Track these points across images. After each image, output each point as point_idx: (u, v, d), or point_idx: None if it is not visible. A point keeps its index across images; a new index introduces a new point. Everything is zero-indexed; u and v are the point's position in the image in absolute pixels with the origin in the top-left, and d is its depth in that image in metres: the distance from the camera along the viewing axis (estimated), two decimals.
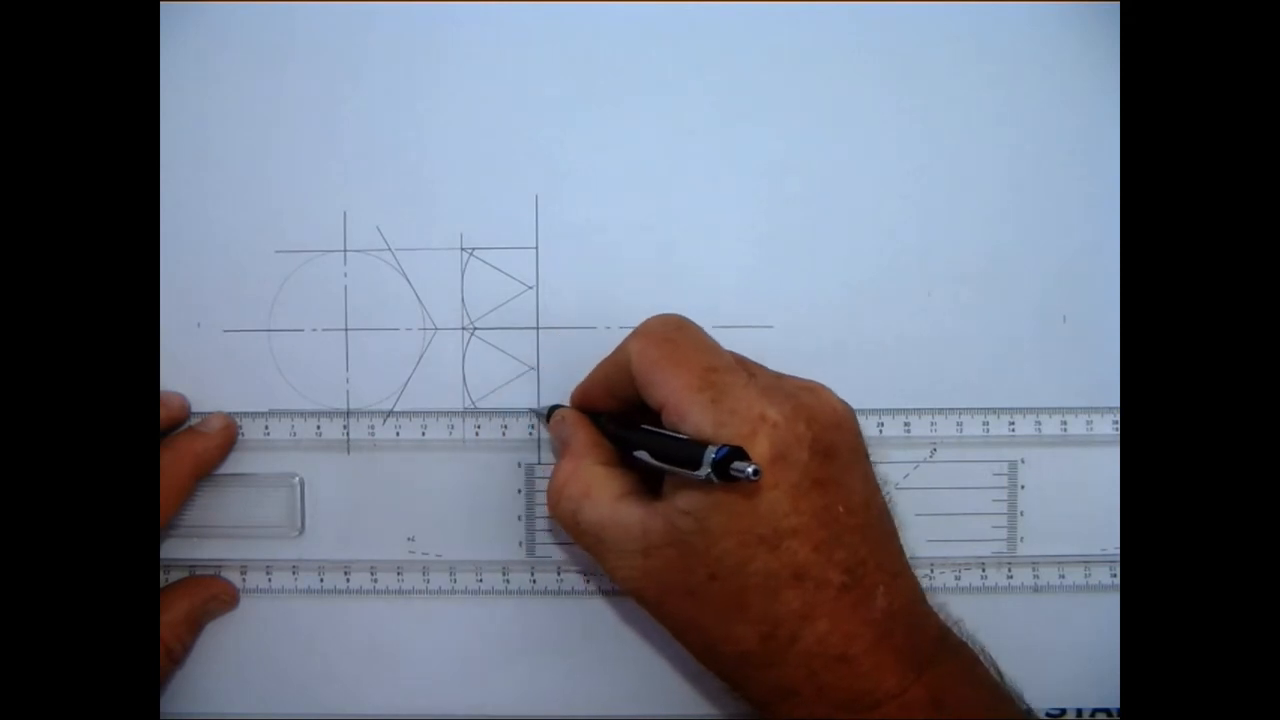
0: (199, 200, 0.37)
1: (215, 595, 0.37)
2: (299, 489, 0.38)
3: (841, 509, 0.29)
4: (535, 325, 0.37)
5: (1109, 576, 0.38)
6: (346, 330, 0.37)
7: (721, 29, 0.37)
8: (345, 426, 0.38)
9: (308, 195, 0.37)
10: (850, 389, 0.37)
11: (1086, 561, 0.38)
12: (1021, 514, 0.38)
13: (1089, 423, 0.38)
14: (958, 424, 0.38)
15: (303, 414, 0.38)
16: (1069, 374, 0.38)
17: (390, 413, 0.38)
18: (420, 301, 0.37)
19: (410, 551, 0.38)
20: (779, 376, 0.32)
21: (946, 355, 0.37)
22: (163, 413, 0.37)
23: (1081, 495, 0.38)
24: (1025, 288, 0.37)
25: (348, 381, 0.38)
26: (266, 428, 0.38)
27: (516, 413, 0.38)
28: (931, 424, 0.38)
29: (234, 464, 0.38)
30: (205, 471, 0.37)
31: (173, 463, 0.36)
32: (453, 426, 0.38)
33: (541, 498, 0.38)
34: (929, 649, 0.30)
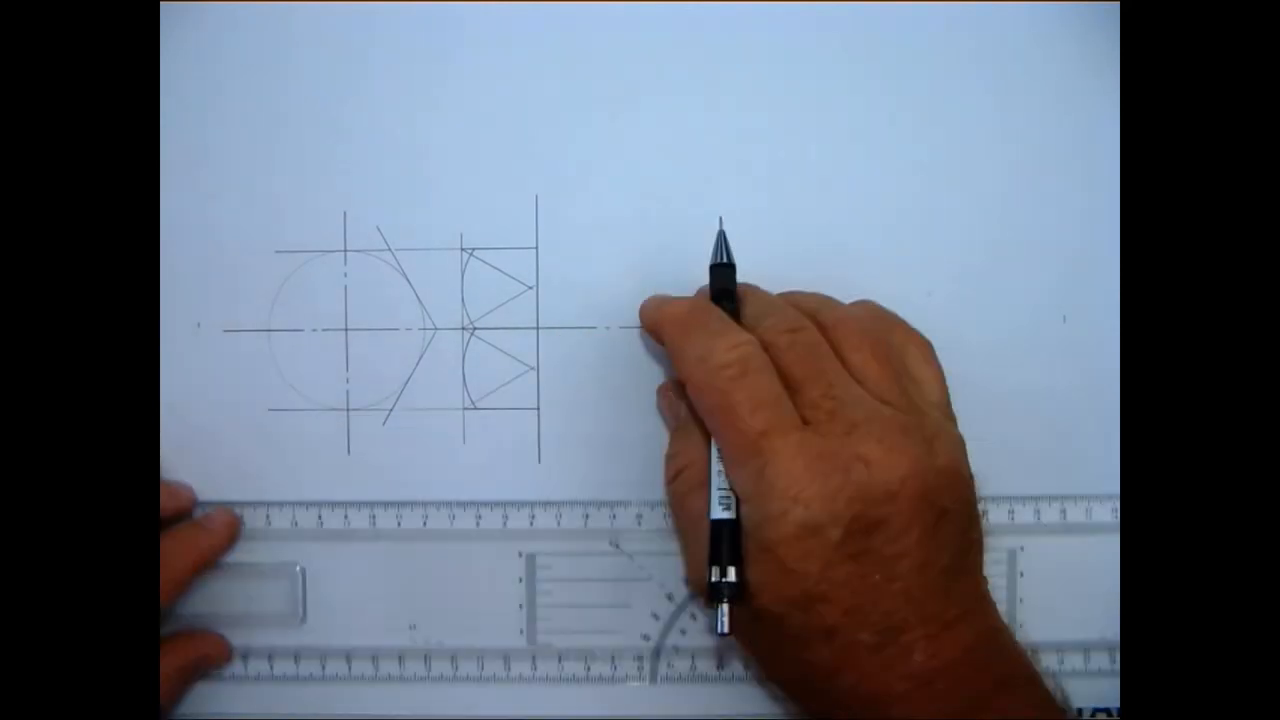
0: (199, 200, 0.37)
1: (207, 655, 0.37)
2: (300, 578, 0.38)
3: (879, 577, 0.29)
4: (535, 325, 0.37)
5: (1108, 662, 0.38)
6: (346, 330, 0.37)
7: (721, 29, 0.37)
8: (346, 516, 0.38)
9: (308, 195, 0.37)
10: None
11: (1086, 649, 0.38)
12: (1021, 600, 0.38)
13: (1088, 510, 0.38)
14: None
15: (304, 504, 0.38)
16: (1069, 374, 0.38)
17: (390, 411, 0.38)
18: (420, 301, 0.37)
19: (412, 639, 0.38)
20: (854, 426, 0.30)
21: (946, 355, 0.37)
22: (168, 502, 0.37)
23: (1081, 583, 0.38)
24: (1025, 288, 0.37)
25: (348, 381, 0.38)
26: (268, 517, 0.38)
27: (517, 504, 0.38)
28: None
29: (236, 552, 0.38)
30: (206, 566, 0.37)
31: (175, 555, 0.35)
32: (454, 516, 0.38)
33: (544, 586, 0.38)
34: (982, 695, 0.30)
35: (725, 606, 0.30)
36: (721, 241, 0.35)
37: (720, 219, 0.35)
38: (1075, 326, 0.38)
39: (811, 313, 0.33)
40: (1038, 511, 0.38)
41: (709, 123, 0.37)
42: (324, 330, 0.37)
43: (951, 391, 0.37)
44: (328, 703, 0.38)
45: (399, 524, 0.38)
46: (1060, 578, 0.38)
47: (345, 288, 0.37)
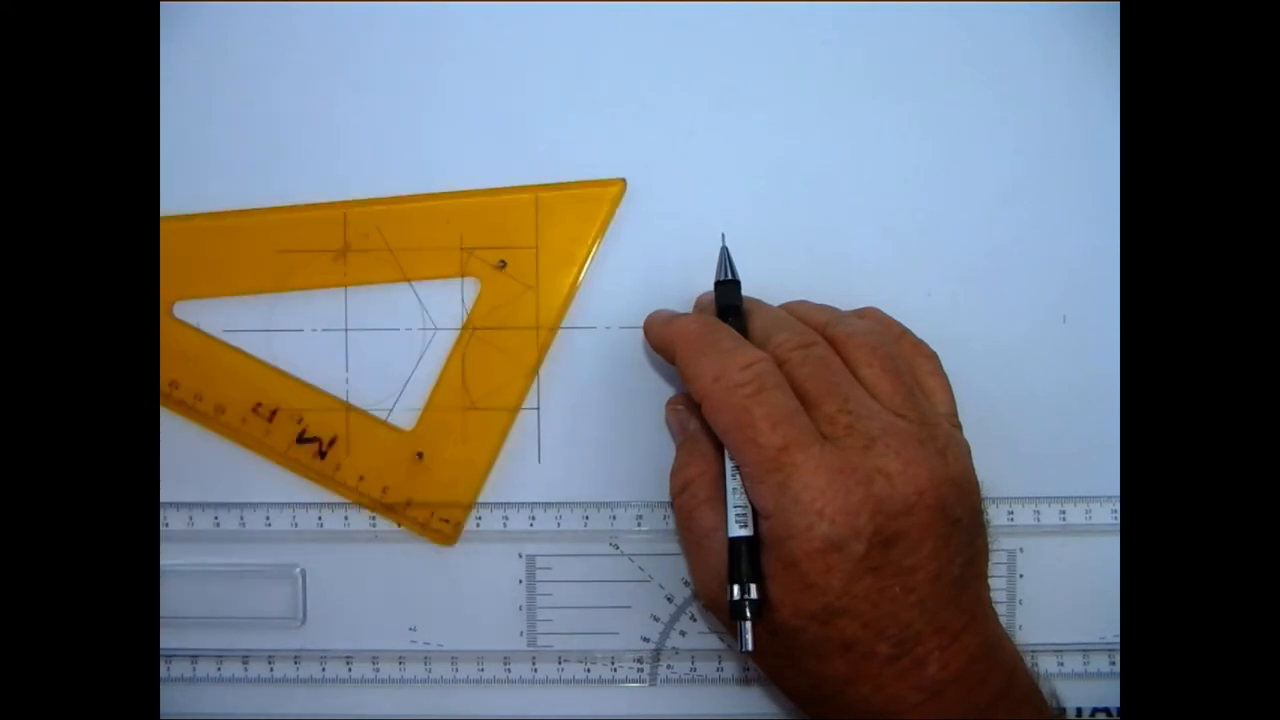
0: (199, 200, 0.37)
1: None
2: (300, 580, 0.38)
3: (898, 589, 0.29)
4: (535, 325, 0.37)
5: (1108, 664, 0.38)
6: (346, 330, 0.37)
7: (722, 30, 0.37)
8: (346, 518, 0.38)
9: (308, 195, 0.37)
10: None
11: (1085, 650, 0.38)
12: (1020, 603, 0.38)
13: (1088, 512, 0.38)
14: None
15: (304, 506, 0.37)
16: (1069, 375, 0.38)
17: (390, 411, 0.37)
18: (420, 301, 0.37)
19: (412, 641, 0.38)
20: (872, 440, 0.30)
21: (946, 355, 0.37)
22: None
23: (1080, 584, 0.38)
24: (1025, 288, 0.37)
25: (347, 382, 0.38)
26: (268, 519, 0.38)
27: (517, 505, 0.37)
28: None
29: (236, 554, 0.38)
30: None
31: None
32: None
33: (544, 587, 0.38)
34: (985, 704, 0.30)
35: (749, 624, 0.30)
36: (725, 258, 0.35)
37: (723, 235, 0.35)
38: (1075, 327, 0.38)
39: (820, 327, 0.33)
40: (1037, 513, 0.38)
41: (709, 123, 0.37)
42: (324, 330, 0.37)
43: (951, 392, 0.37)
44: (328, 705, 0.38)
45: (399, 525, 0.38)
46: (1060, 579, 0.38)
47: (345, 288, 0.37)
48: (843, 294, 0.37)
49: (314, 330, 0.37)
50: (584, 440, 0.38)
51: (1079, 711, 0.38)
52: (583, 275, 0.37)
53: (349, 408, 0.37)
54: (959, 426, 0.33)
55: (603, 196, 0.37)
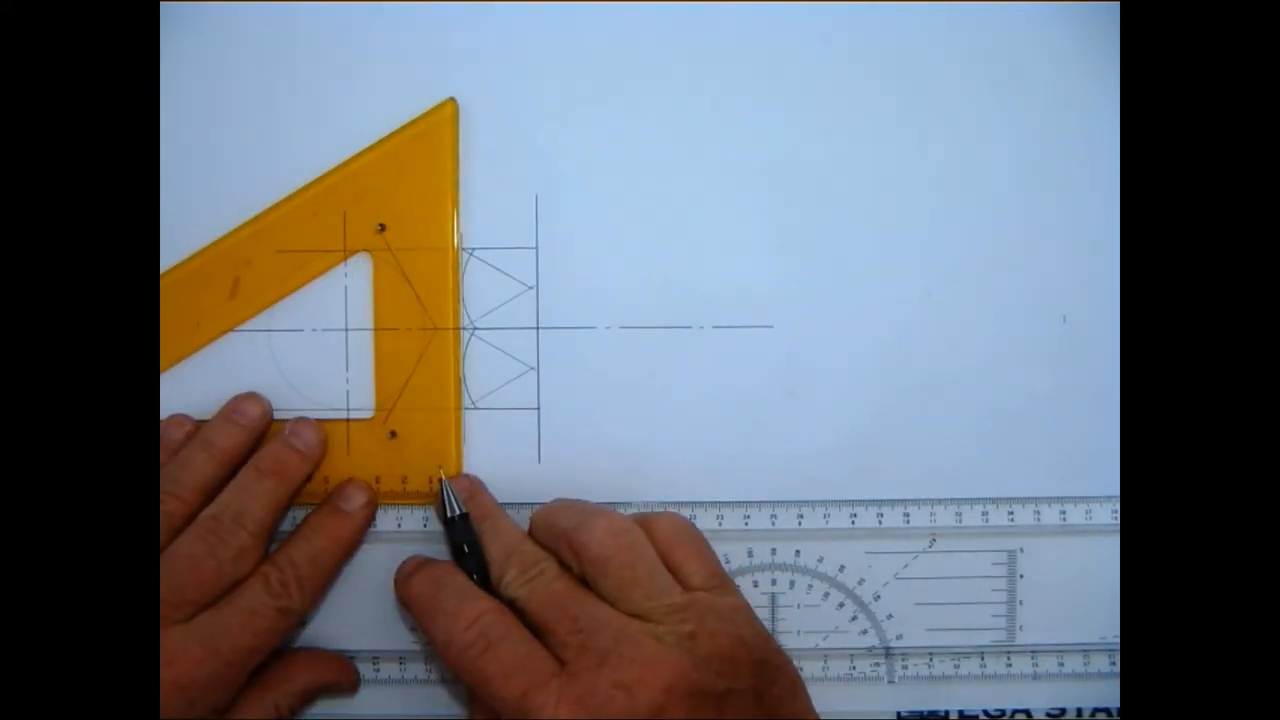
0: (199, 200, 0.37)
1: (335, 683, 0.37)
2: None
3: None
4: (535, 325, 0.37)
5: (1108, 664, 0.38)
6: (346, 330, 0.37)
7: (722, 29, 0.37)
8: None
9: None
10: (850, 393, 0.37)
11: (1086, 650, 0.38)
12: (1021, 603, 0.38)
13: (1088, 512, 0.38)
14: (957, 514, 0.38)
15: (305, 506, 0.37)
16: (1069, 375, 0.38)
17: (390, 411, 0.37)
18: (420, 301, 0.37)
19: (412, 642, 0.38)
20: (605, 655, 0.30)
21: (946, 355, 0.37)
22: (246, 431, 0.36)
23: (1080, 585, 0.38)
24: (1025, 288, 0.37)
25: (348, 382, 0.38)
26: None
27: (517, 505, 0.37)
28: (931, 514, 0.38)
29: None
30: (347, 559, 0.37)
31: (320, 549, 0.35)
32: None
33: None
34: None
35: None
36: (448, 494, 0.35)
37: (441, 470, 0.36)
38: (1075, 327, 0.38)
39: (565, 534, 0.33)
40: (1037, 513, 0.38)
41: (709, 122, 0.37)
42: (324, 330, 0.37)
43: (951, 392, 0.37)
44: (328, 704, 0.38)
45: (399, 526, 0.38)
46: (1060, 579, 0.38)
47: (345, 288, 0.37)
48: (842, 294, 0.37)
49: (314, 330, 0.37)
50: (584, 440, 0.38)
51: (1079, 712, 0.38)
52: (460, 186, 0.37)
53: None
54: (724, 585, 0.33)
55: (439, 120, 0.37)
